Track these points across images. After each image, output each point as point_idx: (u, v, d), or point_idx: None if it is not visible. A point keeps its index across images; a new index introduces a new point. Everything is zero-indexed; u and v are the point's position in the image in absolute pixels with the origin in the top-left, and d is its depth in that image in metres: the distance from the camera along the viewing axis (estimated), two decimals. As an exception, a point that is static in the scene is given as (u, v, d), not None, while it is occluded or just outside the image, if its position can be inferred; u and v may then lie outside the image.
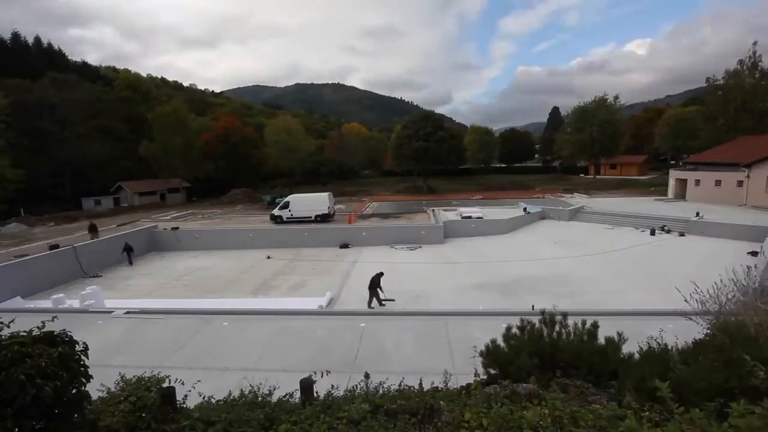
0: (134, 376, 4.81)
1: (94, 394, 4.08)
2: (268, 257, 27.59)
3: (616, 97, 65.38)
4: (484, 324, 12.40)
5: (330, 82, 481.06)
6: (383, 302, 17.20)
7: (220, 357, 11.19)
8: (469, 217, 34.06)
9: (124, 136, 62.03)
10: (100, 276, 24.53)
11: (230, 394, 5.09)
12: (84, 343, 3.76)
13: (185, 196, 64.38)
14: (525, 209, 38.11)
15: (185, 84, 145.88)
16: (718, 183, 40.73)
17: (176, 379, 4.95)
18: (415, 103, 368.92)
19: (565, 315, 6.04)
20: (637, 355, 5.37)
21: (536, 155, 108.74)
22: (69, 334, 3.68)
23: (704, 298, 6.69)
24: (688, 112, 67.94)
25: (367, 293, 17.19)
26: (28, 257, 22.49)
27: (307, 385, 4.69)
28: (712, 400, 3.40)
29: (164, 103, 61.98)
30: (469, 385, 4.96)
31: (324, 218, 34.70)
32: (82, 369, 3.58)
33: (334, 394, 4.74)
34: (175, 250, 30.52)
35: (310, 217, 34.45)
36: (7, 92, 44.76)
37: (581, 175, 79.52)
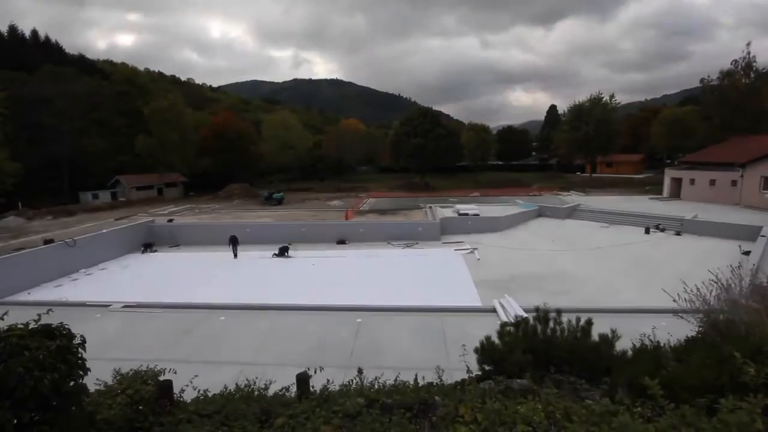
0: (131, 370, 4.84)
1: (92, 387, 4.10)
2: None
3: (612, 96, 65.60)
4: (479, 320, 12.49)
5: (328, 78, 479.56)
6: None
7: (217, 351, 11.23)
8: (466, 215, 34.11)
9: (122, 130, 61.75)
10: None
11: (227, 388, 5.13)
12: (81, 336, 3.78)
13: (182, 191, 64.23)
14: (521, 206, 38.21)
15: (182, 78, 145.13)
16: (712, 182, 40.96)
17: (171, 370, 4.98)
18: (413, 100, 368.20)
19: (559, 312, 6.09)
20: (630, 352, 5.43)
21: (533, 153, 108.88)
22: (67, 327, 3.70)
23: (692, 297, 6.76)
24: (684, 112, 68.07)
25: None
26: (27, 250, 22.42)
27: (303, 379, 4.73)
28: (702, 397, 3.45)
29: (161, 97, 61.71)
30: (463, 380, 5.01)
31: None
32: (79, 362, 3.60)
33: (330, 389, 4.79)
34: (172, 245, 30.44)
35: None
36: (3, 85, 44.44)
37: (578, 173, 79.68)
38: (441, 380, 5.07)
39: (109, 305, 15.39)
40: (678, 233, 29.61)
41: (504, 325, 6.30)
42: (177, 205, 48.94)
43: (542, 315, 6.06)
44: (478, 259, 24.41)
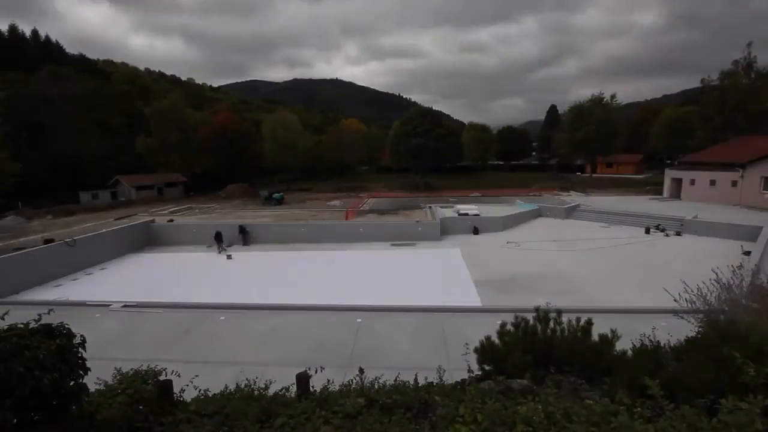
0: (131, 369, 4.83)
1: (92, 387, 4.10)
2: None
3: (613, 96, 65.52)
4: (479, 320, 12.49)
5: (328, 78, 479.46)
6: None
7: (216, 351, 11.23)
8: (466, 215, 34.10)
9: (122, 129, 61.77)
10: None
11: (227, 388, 5.12)
12: (81, 335, 3.78)
13: (182, 191, 64.27)
14: (521, 206, 38.20)
15: (183, 78, 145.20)
16: (712, 183, 40.95)
17: (173, 371, 4.98)
18: (413, 100, 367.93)
19: (559, 312, 6.10)
20: (629, 352, 5.43)
21: (533, 153, 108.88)
22: (67, 326, 3.70)
23: (693, 297, 6.75)
24: (684, 112, 68.10)
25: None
26: (27, 250, 22.41)
27: (303, 379, 4.72)
28: (702, 397, 3.46)
29: (161, 97, 61.80)
30: (463, 380, 5.01)
31: None
32: (79, 361, 3.60)
33: (330, 389, 4.78)
34: (172, 245, 30.46)
35: None
36: (3, 85, 44.46)
37: (578, 173, 79.68)
38: (441, 380, 5.06)
39: (109, 305, 15.38)
40: (678, 233, 29.60)
41: (504, 325, 6.30)
42: (177, 205, 48.91)
43: (542, 315, 6.07)
44: (479, 259, 24.40)
